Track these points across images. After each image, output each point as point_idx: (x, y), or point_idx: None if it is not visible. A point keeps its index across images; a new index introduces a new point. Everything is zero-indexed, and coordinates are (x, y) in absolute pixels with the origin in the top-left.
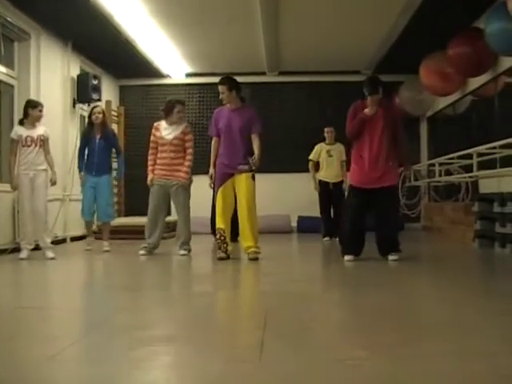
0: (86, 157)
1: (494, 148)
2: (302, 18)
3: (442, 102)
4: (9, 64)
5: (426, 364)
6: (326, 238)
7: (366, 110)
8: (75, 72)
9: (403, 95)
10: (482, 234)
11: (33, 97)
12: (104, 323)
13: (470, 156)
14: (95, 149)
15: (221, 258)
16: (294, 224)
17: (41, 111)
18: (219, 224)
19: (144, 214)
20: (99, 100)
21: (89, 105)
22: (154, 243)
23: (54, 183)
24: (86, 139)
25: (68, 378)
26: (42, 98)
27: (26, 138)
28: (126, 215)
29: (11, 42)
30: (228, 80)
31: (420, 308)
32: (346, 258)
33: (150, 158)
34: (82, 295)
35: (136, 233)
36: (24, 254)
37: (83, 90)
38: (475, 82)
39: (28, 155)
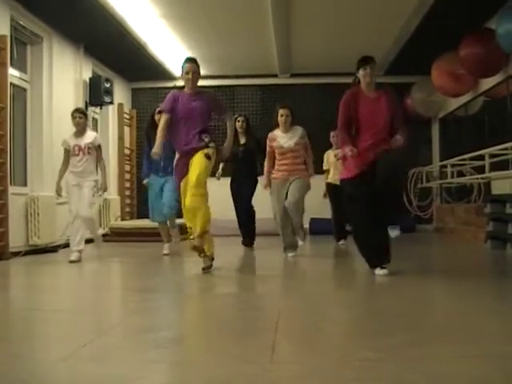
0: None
1: (507, 149)
2: (314, 20)
3: (454, 103)
4: (21, 67)
5: (435, 366)
6: (341, 242)
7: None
8: (87, 75)
9: (415, 96)
10: (494, 236)
11: (45, 100)
12: (117, 325)
13: (482, 157)
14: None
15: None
16: (306, 226)
17: (76, 118)
18: (187, 222)
19: None
20: (111, 103)
21: (101, 108)
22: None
23: (104, 190)
24: (150, 141)
25: (81, 379)
26: (55, 101)
27: (74, 148)
28: (138, 218)
29: (24, 46)
30: (197, 62)
31: (430, 310)
32: (378, 271)
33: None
34: (96, 297)
35: (148, 235)
36: (74, 256)
37: (95, 93)
38: (487, 83)
39: (76, 164)
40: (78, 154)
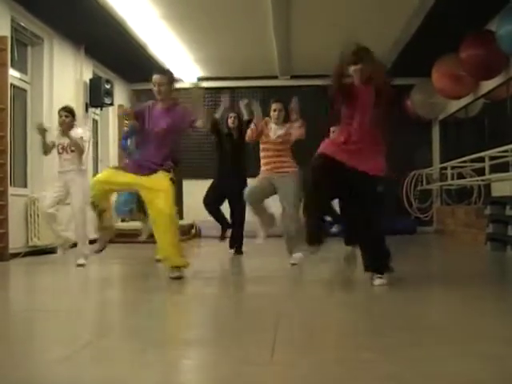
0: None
1: (507, 151)
2: (314, 22)
3: (455, 105)
4: (22, 68)
5: (432, 366)
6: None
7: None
8: (88, 76)
9: (415, 98)
10: (494, 237)
11: (45, 101)
12: (117, 326)
13: (482, 159)
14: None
15: None
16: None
17: (62, 116)
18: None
19: None
20: (111, 104)
21: (101, 109)
22: None
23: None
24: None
25: (81, 380)
26: (55, 103)
27: (58, 146)
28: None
29: (24, 47)
30: (169, 72)
31: (429, 311)
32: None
33: None
34: (96, 298)
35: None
36: (81, 260)
37: (96, 95)
38: (487, 85)
39: (62, 163)
40: (61, 153)
